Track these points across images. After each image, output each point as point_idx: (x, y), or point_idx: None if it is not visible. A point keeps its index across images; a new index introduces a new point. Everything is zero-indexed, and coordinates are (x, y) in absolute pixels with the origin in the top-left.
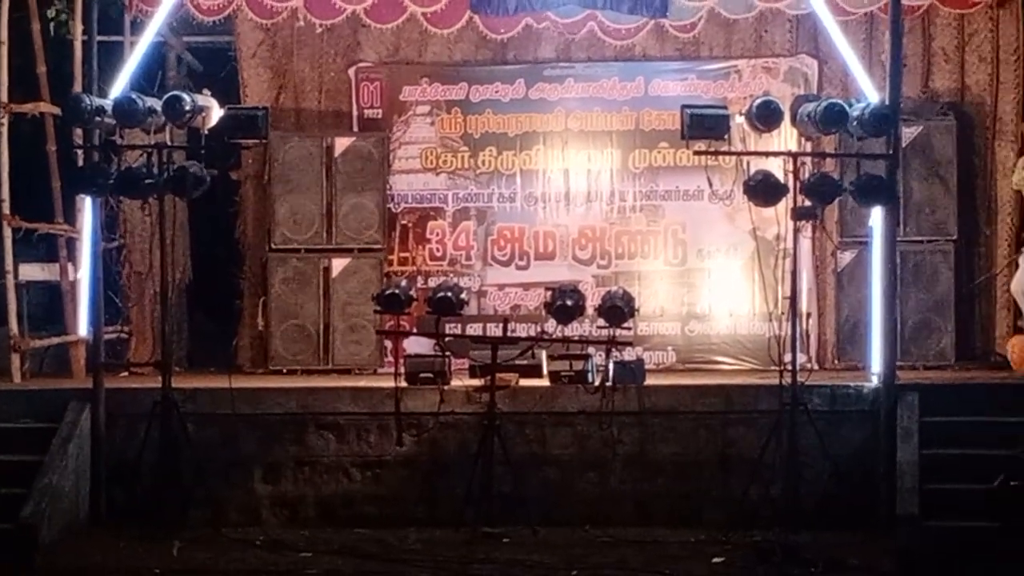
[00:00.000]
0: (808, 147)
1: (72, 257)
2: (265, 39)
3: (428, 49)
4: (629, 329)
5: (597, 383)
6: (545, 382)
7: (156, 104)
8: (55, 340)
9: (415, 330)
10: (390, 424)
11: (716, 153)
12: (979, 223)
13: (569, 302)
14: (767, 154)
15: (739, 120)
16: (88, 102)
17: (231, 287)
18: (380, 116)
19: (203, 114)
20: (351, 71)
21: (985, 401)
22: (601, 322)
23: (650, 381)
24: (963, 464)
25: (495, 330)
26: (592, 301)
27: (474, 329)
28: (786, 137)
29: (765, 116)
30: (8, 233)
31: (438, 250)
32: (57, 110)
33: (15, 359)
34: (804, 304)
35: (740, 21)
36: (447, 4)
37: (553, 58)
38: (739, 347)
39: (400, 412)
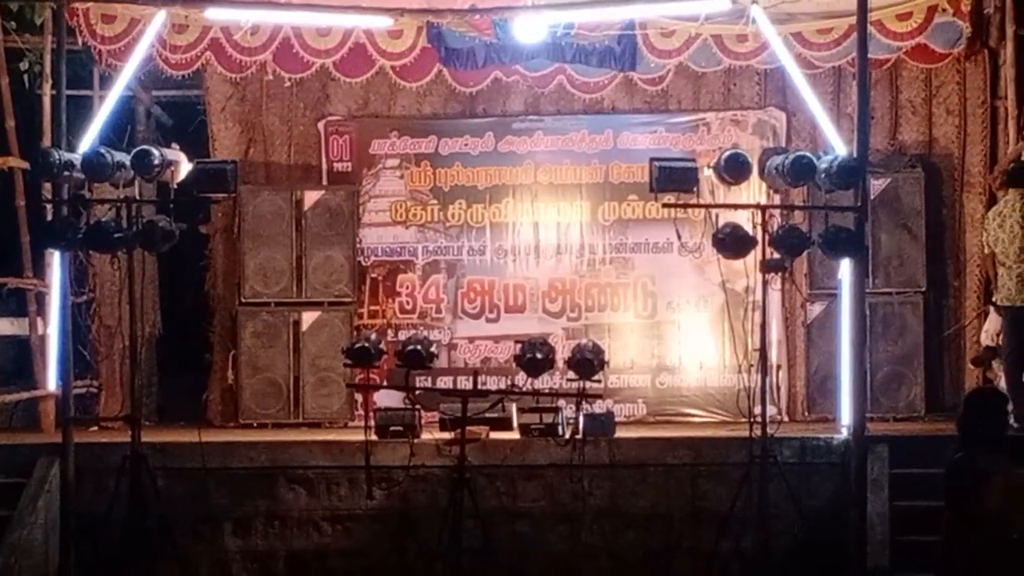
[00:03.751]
0: (776, 199)
1: (41, 311)
2: (234, 93)
3: (397, 102)
4: (599, 382)
5: (567, 436)
6: (515, 435)
7: (125, 158)
8: (24, 395)
9: (385, 383)
10: (360, 478)
11: (685, 206)
12: (948, 275)
13: (539, 355)
14: (736, 206)
15: (707, 172)
16: (57, 156)
17: (201, 341)
18: (349, 169)
19: (172, 168)
20: (320, 124)
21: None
22: (571, 375)
23: (620, 434)
24: (934, 516)
25: (465, 383)
26: (562, 354)
27: (444, 382)
28: (755, 189)
29: (733, 169)
30: None
31: (408, 303)
32: (26, 164)
33: None
34: (774, 356)
35: (708, 74)
36: (416, 58)
37: (522, 111)
38: (709, 399)
39: (370, 466)
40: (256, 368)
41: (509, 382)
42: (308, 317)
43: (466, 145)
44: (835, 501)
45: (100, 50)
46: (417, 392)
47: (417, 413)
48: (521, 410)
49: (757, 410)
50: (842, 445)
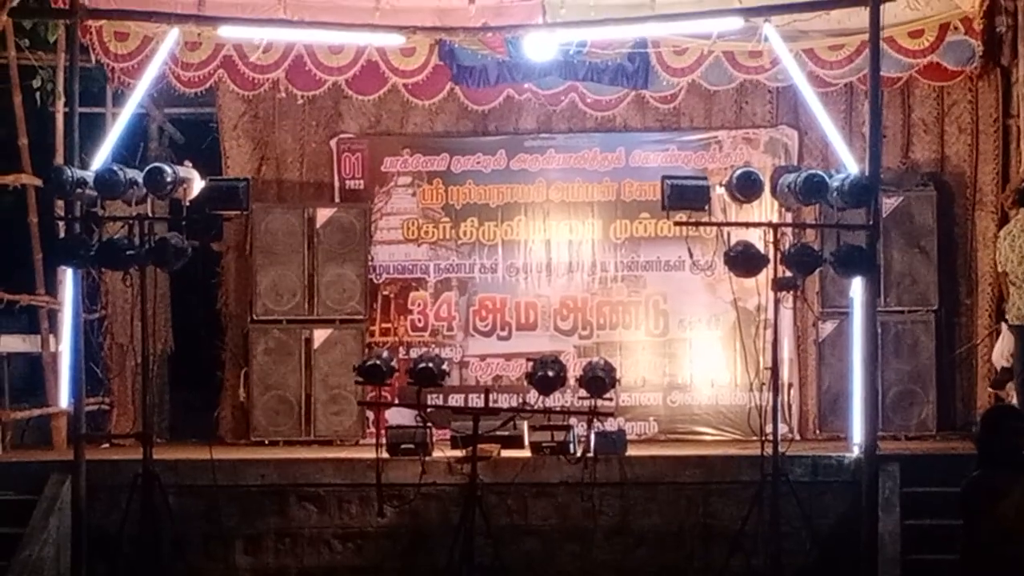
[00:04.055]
0: (788, 218)
1: (53, 328)
2: (247, 110)
3: (409, 120)
4: (611, 400)
5: (579, 454)
6: (527, 453)
7: (137, 175)
8: (36, 412)
9: (397, 401)
10: (372, 495)
11: (697, 224)
12: (960, 293)
13: (551, 373)
14: (748, 225)
15: (719, 191)
16: (70, 174)
17: (213, 358)
18: (362, 187)
19: (184, 185)
20: (333, 142)
21: (967, 472)
22: (583, 393)
23: (632, 452)
24: (945, 535)
25: (477, 401)
26: (574, 372)
27: (456, 400)
28: (766, 208)
29: (745, 187)
30: None
31: (420, 321)
32: (39, 182)
33: None
34: (785, 374)
35: (720, 92)
36: (429, 75)
37: (534, 129)
38: (721, 418)
39: (381, 483)
40: (268, 385)
41: (521, 400)
42: (320, 334)
43: (478, 163)
44: (846, 520)
45: (113, 68)
46: (428, 410)
47: (428, 431)
48: (532, 428)
49: (768, 428)
50: (853, 464)
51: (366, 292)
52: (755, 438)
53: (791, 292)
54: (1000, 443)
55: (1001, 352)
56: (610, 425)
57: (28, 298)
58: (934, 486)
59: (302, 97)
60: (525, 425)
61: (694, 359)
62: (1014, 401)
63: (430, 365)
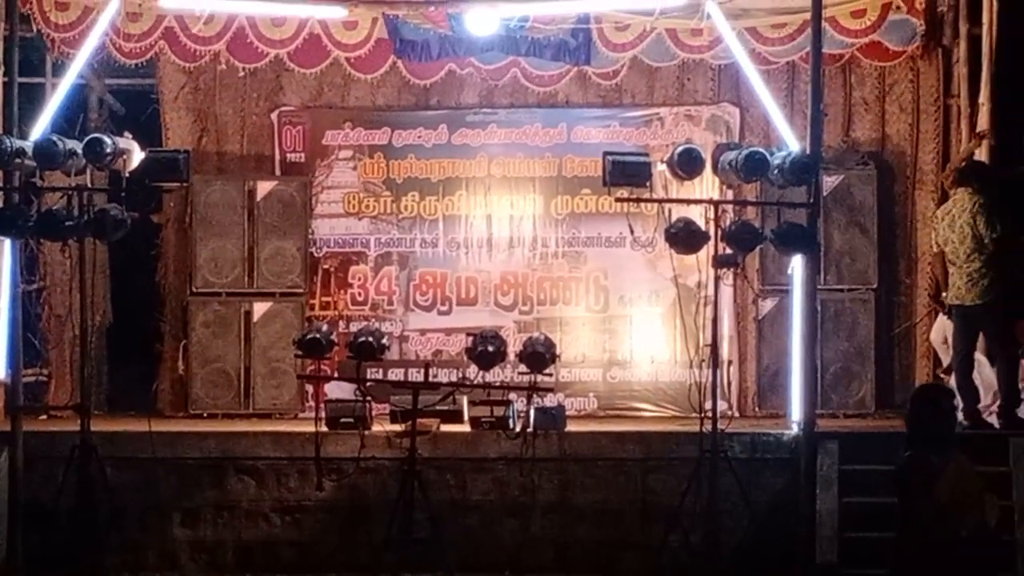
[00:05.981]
0: (729, 195)
1: None
2: (187, 82)
3: (351, 94)
4: (550, 375)
5: (518, 429)
6: (466, 428)
7: (77, 146)
8: None
9: (336, 375)
10: (310, 469)
11: (638, 200)
12: (899, 272)
13: (491, 348)
14: (688, 202)
15: (661, 167)
16: (8, 144)
17: (152, 330)
18: (303, 160)
19: (124, 157)
20: (274, 115)
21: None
22: (523, 368)
23: (571, 428)
24: (882, 513)
25: (416, 375)
26: (514, 347)
27: (395, 374)
28: (708, 185)
29: (687, 164)
30: None
31: (360, 295)
32: None
33: None
34: (725, 351)
35: (662, 69)
36: (371, 49)
37: (476, 104)
38: (660, 394)
39: (320, 457)
40: (207, 358)
41: (460, 375)
42: (259, 308)
43: (419, 137)
44: (784, 497)
45: (53, 38)
46: (368, 384)
47: (368, 405)
48: (472, 403)
49: (708, 405)
50: (792, 441)
51: (306, 265)
52: (694, 415)
53: (731, 269)
54: (934, 423)
55: (937, 331)
56: (550, 401)
57: None
58: (872, 464)
59: (243, 69)
60: (465, 400)
61: (634, 335)
62: (951, 379)
63: (370, 339)
